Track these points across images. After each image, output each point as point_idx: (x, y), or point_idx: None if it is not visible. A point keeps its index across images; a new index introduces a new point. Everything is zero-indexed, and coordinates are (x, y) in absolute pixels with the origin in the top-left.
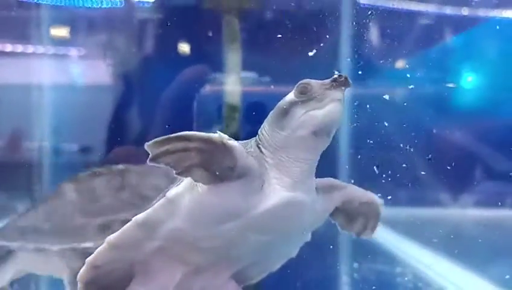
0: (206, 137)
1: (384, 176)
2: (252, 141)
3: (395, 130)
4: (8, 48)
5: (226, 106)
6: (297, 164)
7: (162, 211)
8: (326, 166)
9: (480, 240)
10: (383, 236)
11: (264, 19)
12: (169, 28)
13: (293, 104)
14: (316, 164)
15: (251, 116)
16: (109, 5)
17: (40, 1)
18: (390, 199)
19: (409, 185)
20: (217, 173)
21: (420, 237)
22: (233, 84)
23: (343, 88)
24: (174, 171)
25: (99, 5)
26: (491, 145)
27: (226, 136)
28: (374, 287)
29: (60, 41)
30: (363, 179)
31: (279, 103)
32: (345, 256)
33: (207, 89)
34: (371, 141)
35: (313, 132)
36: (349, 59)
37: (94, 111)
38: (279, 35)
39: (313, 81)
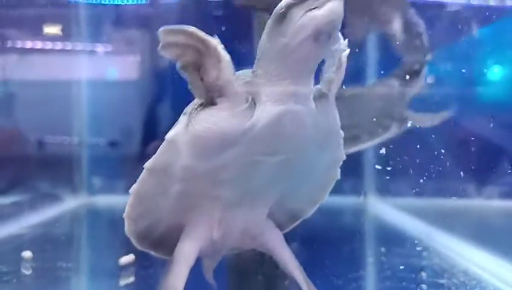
0: (204, 38)
1: (411, 168)
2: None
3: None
4: (40, 45)
5: None
6: (292, 74)
7: (167, 153)
8: (353, 160)
9: (505, 229)
10: (410, 224)
11: None
12: (200, 24)
13: (290, 6)
14: (313, 75)
15: None
16: (143, 2)
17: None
18: (418, 190)
19: (436, 176)
20: (204, 79)
21: (446, 226)
22: None
23: None
24: (177, 65)
25: (135, 2)
26: None
27: (222, 46)
28: (401, 267)
29: (94, 38)
30: (390, 171)
31: (275, 8)
32: (373, 241)
33: None
34: (398, 134)
35: (313, 35)
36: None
37: (125, 106)
38: None
39: None
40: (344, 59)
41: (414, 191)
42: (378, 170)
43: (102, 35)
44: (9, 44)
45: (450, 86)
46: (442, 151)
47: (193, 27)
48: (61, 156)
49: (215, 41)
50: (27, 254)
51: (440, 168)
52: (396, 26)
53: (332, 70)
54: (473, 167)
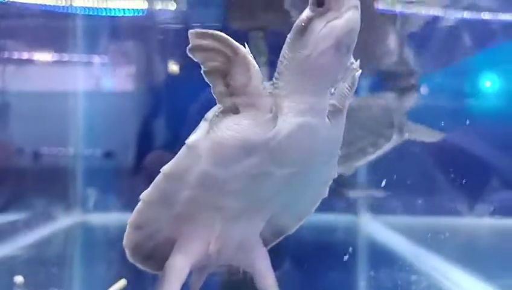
0: (234, 45)
1: (400, 185)
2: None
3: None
4: (36, 56)
5: None
6: (312, 88)
7: (186, 159)
8: (345, 178)
9: (495, 250)
10: (401, 245)
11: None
12: None
13: (310, 19)
14: (329, 90)
15: None
16: (140, 14)
17: (73, 11)
18: (407, 208)
19: (426, 194)
20: (230, 86)
21: (436, 246)
22: None
23: None
24: (202, 69)
25: (132, 14)
26: (507, 155)
27: (250, 54)
28: None
29: (90, 50)
30: (383, 189)
31: (296, 22)
32: (364, 263)
33: None
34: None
35: (335, 45)
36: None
37: (121, 117)
38: None
39: None
40: (357, 78)
41: (406, 209)
42: (371, 187)
43: (99, 46)
44: (5, 55)
45: (440, 101)
46: (434, 168)
47: (223, 33)
48: (57, 168)
49: (244, 49)
50: (19, 279)
51: (432, 186)
52: (390, 45)
53: (346, 86)
54: (464, 184)
